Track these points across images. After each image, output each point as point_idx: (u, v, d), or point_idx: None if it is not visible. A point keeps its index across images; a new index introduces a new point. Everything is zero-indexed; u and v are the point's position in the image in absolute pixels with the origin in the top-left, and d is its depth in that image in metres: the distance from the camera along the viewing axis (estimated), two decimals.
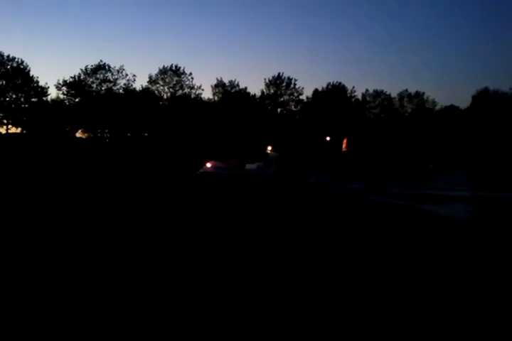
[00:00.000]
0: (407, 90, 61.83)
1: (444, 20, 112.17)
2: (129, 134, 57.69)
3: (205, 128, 56.63)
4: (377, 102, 61.35)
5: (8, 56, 54.41)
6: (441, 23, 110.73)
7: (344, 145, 60.53)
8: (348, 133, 59.71)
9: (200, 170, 19.43)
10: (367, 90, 61.27)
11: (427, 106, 62.24)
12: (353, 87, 60.47)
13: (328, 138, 59.40)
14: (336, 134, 59.22)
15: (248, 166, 20.13)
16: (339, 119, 58.26)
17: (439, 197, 18.53)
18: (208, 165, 19.36)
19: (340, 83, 59.97)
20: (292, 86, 59.18)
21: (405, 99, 61.83)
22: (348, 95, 60.36)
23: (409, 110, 62.47)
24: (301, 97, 60.01)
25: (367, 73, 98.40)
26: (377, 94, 60.95)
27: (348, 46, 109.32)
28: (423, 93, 61.75)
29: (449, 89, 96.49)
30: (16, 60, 54.56)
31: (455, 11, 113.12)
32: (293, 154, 48.38)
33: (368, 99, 61.20)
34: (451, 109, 62.78)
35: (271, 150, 23.33)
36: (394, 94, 62.11)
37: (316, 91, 59.97)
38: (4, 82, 54.11)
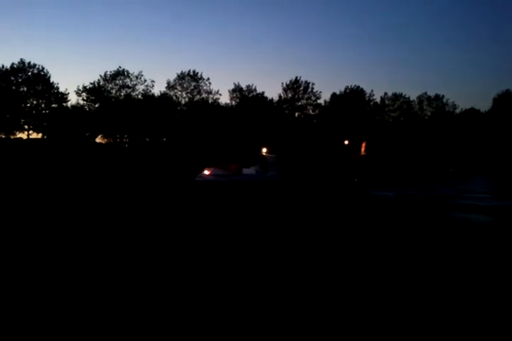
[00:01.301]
0: (426, 93, 62.08)
1: (463, 21, 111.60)
2: (147, 139, 58.56)
3: (222, 132, 57.33)
4: (396, 105, 61.62)
5: (29, 63, 56.13)
6: (461, 24, 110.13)
7: (363, 149, 60.75)
8: (366, 136, 59.90)
9: (197, 178, 17.96)
10: (385, 93, 61.70)
11: (446, 109, 62.32)
12: (372, 91, 60.97)
13: (346, 142, 59.70)
14: (355, 138, 59.48)
15: (245, 171, 18.65)
16: (357, 123, 58.55)
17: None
18: (206, 172, 18.01)
19: (358, 86, 60.43)
20: (310, 90, 59.90)
21: (425, 102, 62.01)
22: (367, 99, 60.82)
23: (429, 113, 62.56)
24: (318, 101, 60.89)
25: (385, 76, 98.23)
26: (396, 97, 61.21)
27: (366, 49, 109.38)
28: (443, 96, 61.89)
29: (469, 92, 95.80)
30: (37, 66, 56.31)
31: (475, 12, 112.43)
32: (295, 156, 48.76)
33: (386, 102, 61.51)
34: (472, 112, 62.70)
35: (266, 152, 21.63)
36: (413, 97, 62.50)
37: (333, 95, 60.62)
38: (25, 89, 55.80)
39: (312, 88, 59.86)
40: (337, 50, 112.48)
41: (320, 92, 60.40)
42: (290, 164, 34.75)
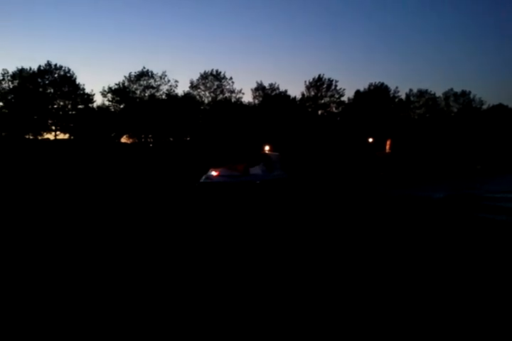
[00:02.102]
0: (452, 89, 61.56)
1: (489, 16, 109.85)
2: (171, 139, 59.39)
3: (245, 131, 57.71)
4: (421, 102, 61.29)
5: (56, 65, 57.59)
6: (487, 19, 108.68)
7: (388, 147, 60.39)
8: (391, 134, 59.54)
9: (202, 180, 15.55)
10: (411, 90, 61.42)
11: (473, 105, 61.59)
12: (396, 87, 60.81)
13: (370, 140, 59.42)
14: (379, 135, 59.16)
15: (251, 170, 16.63)
16: (382, 120, 58.28)
17: None
18: (213, 172, 15.65)
19: (382, 83, 60.33)
20: (333, 87, 60.05)
21: (451, 99, 61.50)
22: (391, 95, 60.65)
23: (455, 110, 61.82)
24: (342, 99, 60.96)
25: (410, 73, 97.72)
26: (422, 93, 60.85)
27: (391, 45, 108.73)
28: (469, 92, 61.28)
29: (496, 88, 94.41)
30: (63, 68, 57.77)
31: (500, 7, 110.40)
32: (306, 155, 48.64)
33: (411, 99, 61.25)
34: (500, 107, 61.80)
35: (269, 150, 19.77)
36: (439, 94, 62.07)
37: (357, 92, 60.59)
38: (52, 90, 57.29)
39: (335, 85, 60.03)
40: (361, 47, 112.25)
41: (343, 90, 60.58)
42: (296, 163, 34.52)
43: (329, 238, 7.95)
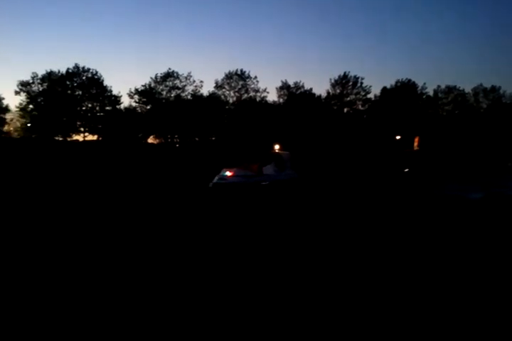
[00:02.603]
0: (481, 85, 60.33)
1: None
2: (197, 139, 59.97)
3: (270, 130, 57.87)
4: (450, 98, 60.53)
5: (83, 67, 58.87)
6: None
7: (416, 144, 59.75)
8: (419, 131, 58.92)
9: (216, 181, 14.93)
10: (439, 86, 60.90)
11: (503, 101, 60.27)
12: (424, 84, 60.23)
13: (398, 137, 58.90)
14: (407, 133, 58.60)
15: (264, 170, 16.03)
16: (409, 117, 57.65)
17: None
18: (228, 173, 14.97)
19: (409, 80, 59.81)
20: (359, 85, 59.87)
21: (480, 95, 60.52)
22: (419, 92, 59.99)
23: (485, 106, 60.65)
24: (368, 96, 60.64)
25: (438, 68, 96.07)
26: (450, 89, 60.07)
27: (417, 41, 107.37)
28: (499, 87, 60.26)
29: None
30: (91, 70, 59.03)
31: None
32: (328, 153, 48.27)
33: (440, 95, 60.52)
34: None
35: (279, 149, 19.11)
36: (468, 90, 60.93)
37: (384, 89, 60.27)
38: (80, 92, 58.63)
39: (361, 83, 59.91)
40: (387, 43, 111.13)
41: (369, 87, 60.39)
42: (308, 162, 34.13)
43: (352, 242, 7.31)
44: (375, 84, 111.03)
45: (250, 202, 12.74)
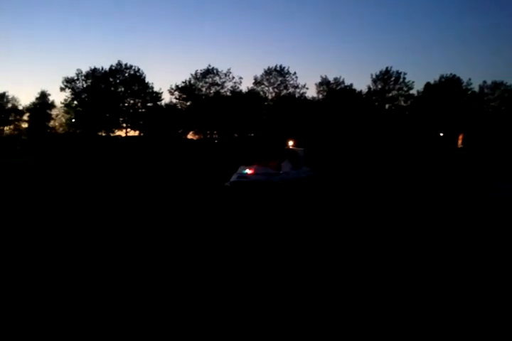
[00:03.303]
0: None
1: None
2: (235, 135, 60.65)
3: (309, 127, 57.97)
4: (496, 94, 59.31)
5: (126, 64, 60.55)
6: None
7: (460, 142, 58.70)
8: (464, 128, 57.84)
9: (235, 179, 14.00)
10: (484, 82, 59.64)
11: None
12: (469, 79, 59.18)
13: (441, 134, 57.99)
14: (451, 130, 57.64)
15: (282, 167, 15.08)
16: (454, 114, 56.58)
17: None
18: (248, 170, 13.98)
19: (454, 75, 58.77)
20: (401, 80, 59.30)
21: None
22: (464, 88, 58.79)
23: None
24: (411, 92, 59.99)
25: (484, 64, 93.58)
26: (497, 85, 58.82)
27: (463, 35, 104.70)
28: None
29: None
30: (133, 67, 60.73)
31: None
32: (368, 149, 47.46)
33: (485, 91, 59.19)
34: None
35: (293, 146, 18.18)
36: None
37: (427, 84, 59.33)
38: (123, 89, 60.17)
39: (404, 78, 59.29)
40: (431, 38, 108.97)
41: (412, 82, 59.77)
42: (325, 159, 33.25)
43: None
44: (418, 79, 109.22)
45: (273, 201, 12.05)
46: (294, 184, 14.66)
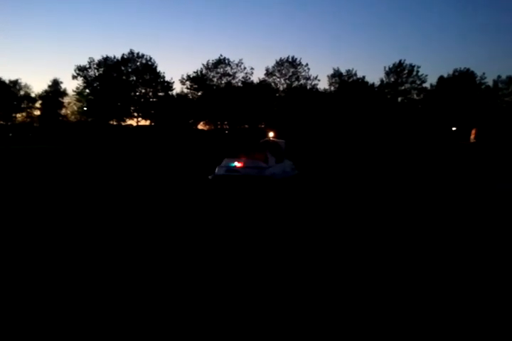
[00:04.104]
0: None
1: None
2: (246, 126, 61.19)
3: (320, 119, 58.38)
4: (510, 89, 59.01)
5: (138, 53, 61.49)
6: None
7: (473, 136, 58.69)
8: (477, 122, 57.79)
9: (222, 172, 12.73)
10: (499, 76, 59.77)
11: None
12: (483, 74, 59.13)
13: (454, 129, 58.06)
14: (464, 124, 57.65)
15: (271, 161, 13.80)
16: (467, 108, 56.62)
17: None
18: (237, 163, 12.74)
19: (468, 69, 58.81)
20: (414, 73, 59.50)
21: None
22: (478, 82, 58.60)
23: None
24: (424, 85, 60.16)
25: (499, 58, 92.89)
26: (511, 80, 57.97)
27: (477, 29, 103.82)
28: None
29: None
30: (145, 56, 61.52)
31: None
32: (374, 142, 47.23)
33: (500, 86, 59.08)
34: None
35: (274, 137, 16.51)
36: None
37: (441, 78, 59.44)
38: (135, 78, 60.92)
39: (417, 71, 59.56)
40: (444, 31, 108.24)
41: (425, 76, 60.03)
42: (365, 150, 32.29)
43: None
44: (432, 72, 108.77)
45: (267, 196, 11.30)
46: (282, 178, 13.60)
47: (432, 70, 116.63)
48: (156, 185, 13.72)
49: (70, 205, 9.61)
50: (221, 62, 61.37)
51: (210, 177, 12.81)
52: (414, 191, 12.75)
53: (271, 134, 17.03)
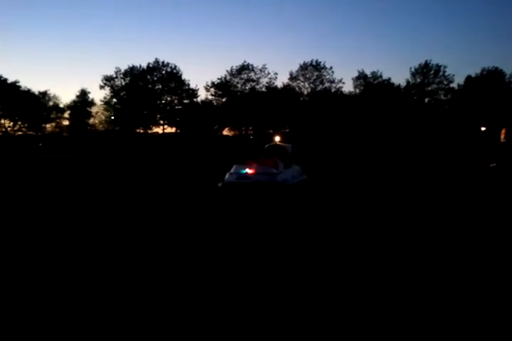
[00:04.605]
0: None
1: None
2: (270, 131, 61.65)
3: (346, 122, 58.42)
4: None
5: (163, 62, 62.78)
6: None
7: (503, 136, 57.74)
8: (506, 122, 56.88)
9: (234, 180, 12.13)
10: None
11: None
12: None
13: (483, 129, 57.30)
14: (493, 124, 56.84)
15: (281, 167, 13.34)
16: (496, 107, 55.81)
17: None
18: (249, 170, 12.17)
19: (496, 68, 58.11)
20: (441, 73, 59.34)
21: None
22: (507, 81, 57.73)
23: None
24: (451, 85, 59.80)
25: None
26: None
27: (505, 27, 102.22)
28: None
29: None
30: (170, 65, 62.91)
31: None
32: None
33: None
34: None
35: (280, 141, 15.70)
36: None
37: (468, 77, 58.81)
38: (160, 86, 62.01)
39: (444, 71, 59.32)
40: (472, 29, 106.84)
41: (452, 76, 59.60)
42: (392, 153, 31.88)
43: None
44: (459, 72, 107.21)
45: (279, 203, 10.94)
46: (294, 184, 13.12)
47: (459, 70, 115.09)
48: (168, 192, 13.68)
49: (84, 209, 10.19)
50: (245, 68, 62.26)
51: (219, 184, 12.36)
52: (443, 197, 11.80)
53: (277, 138, 16.86)
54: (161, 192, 13.83)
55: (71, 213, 9.62)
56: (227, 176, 12.35)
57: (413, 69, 60.14)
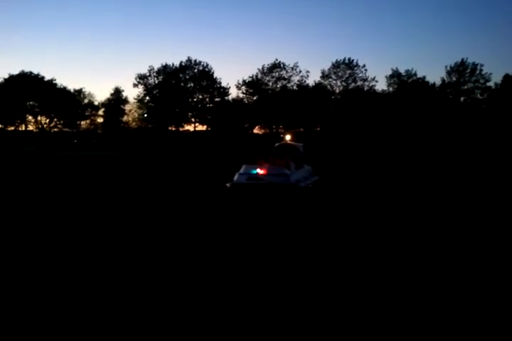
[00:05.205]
0: None
1: None
2: (301, 129, 61.87)
3: (378, 121, 58.04)
4: None
5: (195, 60, 63.87)
6: None
7: None
8: None
9: (244, 181, 11.62)
10: None
11: None
12: None
13: None
14: None
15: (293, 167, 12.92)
16: None
17: None
18: (260, 170, 11.63)
19: None
20: (477, 72, 58.40)
21: None
22: None
23: None
24: (488, 84, 58.83)
25: None
26: None
27: None
28: None
29: None
30: (202, 63, 64.03)
31: None
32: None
33: None
34: None
35: (291, 140, 15.52)
36: None
37: (506, 76, 57.67)
38: (192, 84, 63.24)
39: (481, 70, 58.42)
40: (507, 27, 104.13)
41: (489, 74, 58.62)
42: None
43: None
44: (496, 71, 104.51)
45: (294, 206, 10.66)
46: (307, 186, 12.81)
47: (497, 68, 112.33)
48: (180, 191, 13.74)
49: (92, 206, 10.64)
50: (276, 66, 62.74)
51: (228, 184, 11.90)
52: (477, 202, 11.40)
53: (288, 137, 16.23)
54: (174, 191, 13.95)
55: (81, 208, 10.24)
56: (236, 176, 11.94)
57: (449, 68, 59.61)
